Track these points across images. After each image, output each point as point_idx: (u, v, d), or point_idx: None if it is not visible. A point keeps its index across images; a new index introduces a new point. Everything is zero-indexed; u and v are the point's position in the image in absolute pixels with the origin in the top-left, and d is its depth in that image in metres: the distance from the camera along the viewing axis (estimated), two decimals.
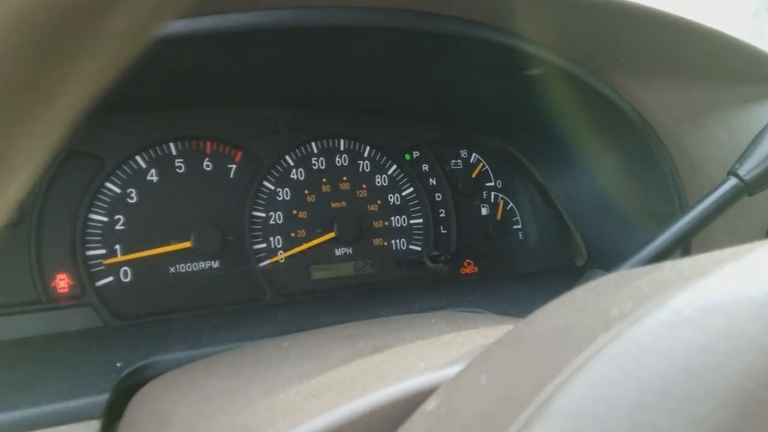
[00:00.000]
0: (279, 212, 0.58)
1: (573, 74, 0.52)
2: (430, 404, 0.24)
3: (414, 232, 0.65)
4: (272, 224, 0.58)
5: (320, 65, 0.48)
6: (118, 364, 0.40)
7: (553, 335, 0.22)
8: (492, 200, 0.70)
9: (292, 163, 0.59)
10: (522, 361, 0.21)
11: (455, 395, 0.23)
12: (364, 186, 0.62)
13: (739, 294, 0.17)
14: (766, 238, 0.60)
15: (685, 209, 0.59)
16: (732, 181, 0.49)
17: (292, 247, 0.58)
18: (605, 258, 0.66)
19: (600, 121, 0.59)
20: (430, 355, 0.32)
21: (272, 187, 0.58)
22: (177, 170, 0.55)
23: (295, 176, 0.59)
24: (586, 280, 0.47)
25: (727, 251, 0.21)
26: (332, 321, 0.48)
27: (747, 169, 0.47)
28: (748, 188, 0.47)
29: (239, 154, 0.57)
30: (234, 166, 0.57)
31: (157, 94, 0.51)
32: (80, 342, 0.46)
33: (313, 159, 0.60)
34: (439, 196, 0.67)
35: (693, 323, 0.16)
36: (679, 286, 0.19)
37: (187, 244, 0.54)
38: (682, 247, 0.51)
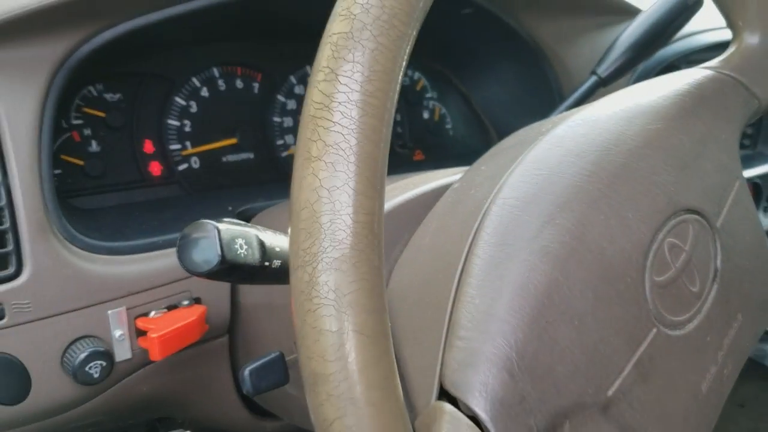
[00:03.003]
0: None
1: (492, 12, 0.78)
2: (455, 184, 0.50)
3: None
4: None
5: None
6: (229, 208, 0.62)
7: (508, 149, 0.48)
8: (430, 107, 0.96)
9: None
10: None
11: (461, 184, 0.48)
12: None
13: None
14: None
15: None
16: (592, 78, 0.77)
17: None
18: None
19: (507, 46, 0.86)
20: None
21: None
22: (219, 88, 0.76)
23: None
24: None
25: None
26: None
27: (603, 68, 0.75)
28: (603, 81, 0.75)
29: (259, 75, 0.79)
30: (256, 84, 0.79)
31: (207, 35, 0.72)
32: (183, 202, 0.68)
33: None
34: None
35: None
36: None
37: (233, 140, 0.76)
38: None
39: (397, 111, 0.92)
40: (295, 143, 0.82)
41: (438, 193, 0.49)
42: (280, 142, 0.80)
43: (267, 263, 0.37)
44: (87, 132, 0.67)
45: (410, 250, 0.45)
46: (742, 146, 1.10)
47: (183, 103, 0.73)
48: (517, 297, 0.35)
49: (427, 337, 0.37)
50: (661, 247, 0.39)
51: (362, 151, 0.27)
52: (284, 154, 0.81)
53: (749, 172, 1.03)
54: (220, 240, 0.34)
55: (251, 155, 0.78)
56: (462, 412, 0.32)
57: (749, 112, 0.49)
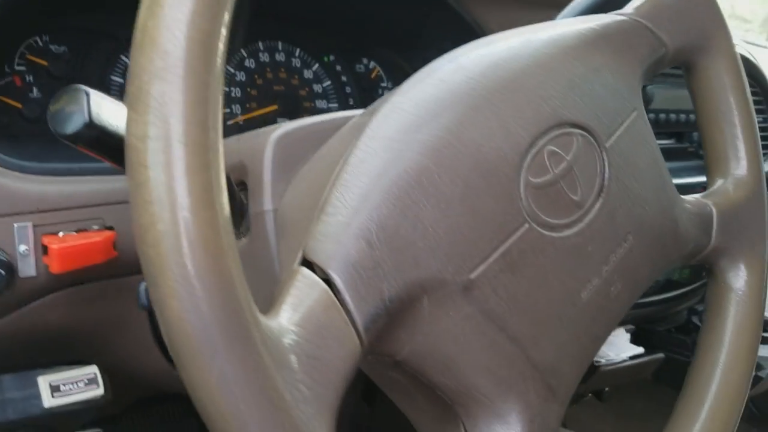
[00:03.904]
0: None
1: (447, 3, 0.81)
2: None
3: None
4: None
5: None
6: None
7: None
8: (384, 95, 0.98)
9: None
10: None
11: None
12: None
13: None
14: None
15: None
16: None
17: None
18: None
19: (452, 29, 0.87)
20: None
21: None
22: None
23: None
24: None
25: None
26: None
27: None
28: None
29: None
30: None
31: None
32: None
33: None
34: (348, 89, 0.94)
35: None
36: None
37: None
38: None
39: (352, 96, 0.94)
40: (241, 112, 0.84)
41: (350, 118, 0.50)
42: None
43: None
44: (29, 78, 0.68)
45: (308, 163, 0.46)
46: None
47: (128, 61, 0.74)
48: (387, 179, 0.35)
49: (303, 224, 0.37)
50: (540, 152, 0.40)
51: None
52: (230, 122, 0.82)
53: None
54: (88, 103, 0.34)
55: None
56: (317, 275, 0.33)
57: (656, 56, 0.51)
